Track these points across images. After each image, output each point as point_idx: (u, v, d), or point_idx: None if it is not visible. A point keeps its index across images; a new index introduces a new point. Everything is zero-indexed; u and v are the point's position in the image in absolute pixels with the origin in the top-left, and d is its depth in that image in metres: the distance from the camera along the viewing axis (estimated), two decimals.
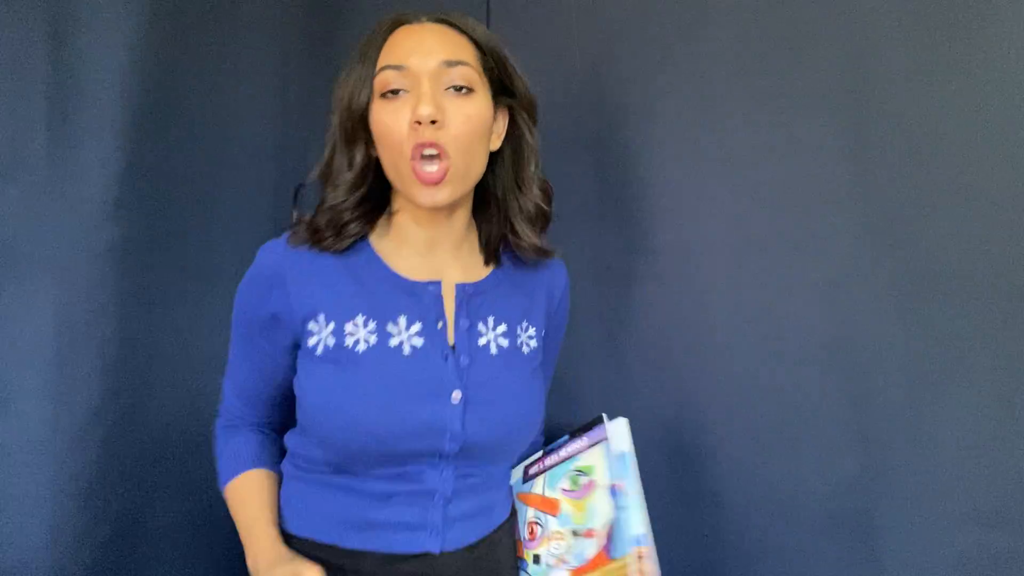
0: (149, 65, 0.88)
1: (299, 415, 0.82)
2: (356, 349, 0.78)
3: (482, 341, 0.84)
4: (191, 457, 0.94)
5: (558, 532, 0.84)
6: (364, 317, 0.79)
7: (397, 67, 0.75)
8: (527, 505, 0.89)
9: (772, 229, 0.99)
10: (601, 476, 0.83)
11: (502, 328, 0.86)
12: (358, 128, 0.77)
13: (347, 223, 0.79)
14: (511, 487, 0.91)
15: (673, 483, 1.03)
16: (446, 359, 0.81)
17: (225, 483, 0.86)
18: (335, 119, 0.80)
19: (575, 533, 0.83)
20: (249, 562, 0.79)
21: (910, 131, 0.93)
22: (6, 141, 0.78)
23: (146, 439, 0.89)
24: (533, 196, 0.85)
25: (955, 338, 0.90)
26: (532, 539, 0.87)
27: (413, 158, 0.74)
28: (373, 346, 0.79)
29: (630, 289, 1.07)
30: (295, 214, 0.82)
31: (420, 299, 0.82)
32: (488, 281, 0.87)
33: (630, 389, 1.06)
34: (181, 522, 0.93)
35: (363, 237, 0.83)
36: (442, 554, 0.79)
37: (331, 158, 0.80)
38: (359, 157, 0.78)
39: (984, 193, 0.90)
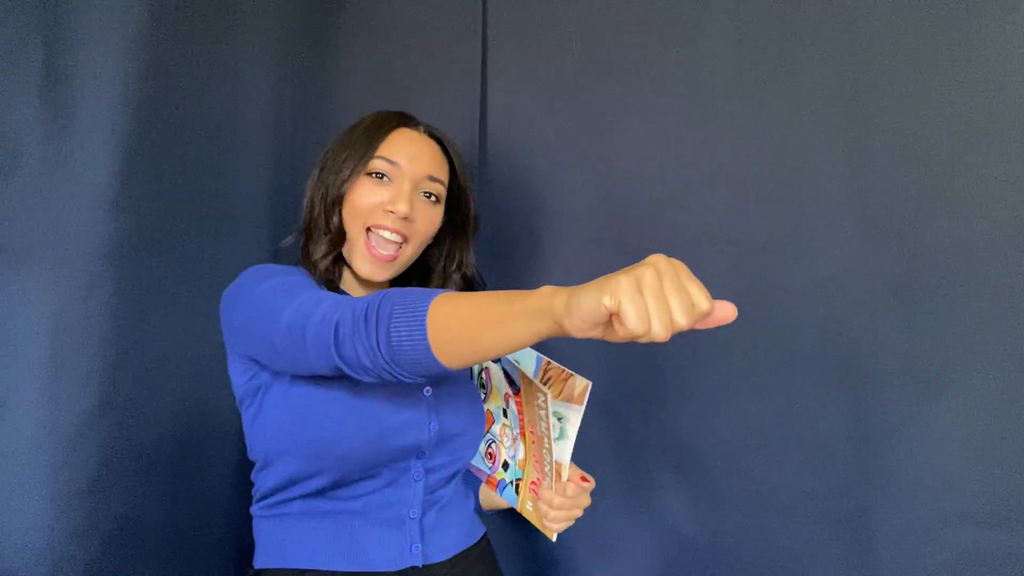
0: (145, 64, 0.88)
1: (279, 438, 0.82)
2: None
3: None
4: (188, 458, 0.94)
5: (503, 430, 0.91)
6: None
7: (392, 162, 0.88)
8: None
9: (771, 229, 0.99)
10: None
11: None
12: (342, 196, 0.89)
13: (328, 278, 0.90)
14: (475, 510, 0.97)
15: (673, 483, 1.03)
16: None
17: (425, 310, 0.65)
18: (323, 178, 0.90)
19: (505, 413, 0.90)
20: (538, 303, 0.62)
21: (909, 131, 0.93)
22: (2, 139, 0.78)
23: (143, 440, 0.89)
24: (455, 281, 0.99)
25: (954, 338, 0.90)
26: (493, 461, 0.93)
27: (368, 232, 0.87)
28: None
29: None
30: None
31: None
32: None
33: (629, 389, 1.06)
34: (178, 524, 0.93)
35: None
36: (425, 567, 0.84)
37: (311, 215, 0.91)
38: (336, 220, 0.89)
39: (982, 193, 0.90)
